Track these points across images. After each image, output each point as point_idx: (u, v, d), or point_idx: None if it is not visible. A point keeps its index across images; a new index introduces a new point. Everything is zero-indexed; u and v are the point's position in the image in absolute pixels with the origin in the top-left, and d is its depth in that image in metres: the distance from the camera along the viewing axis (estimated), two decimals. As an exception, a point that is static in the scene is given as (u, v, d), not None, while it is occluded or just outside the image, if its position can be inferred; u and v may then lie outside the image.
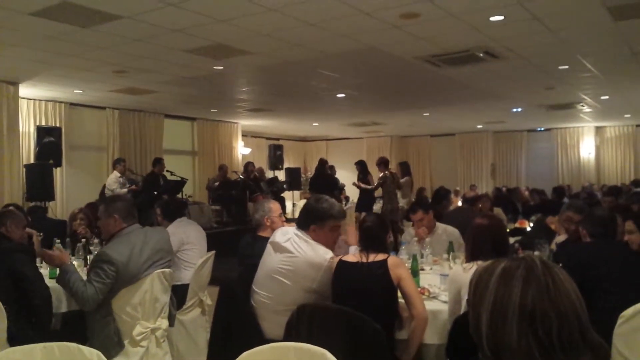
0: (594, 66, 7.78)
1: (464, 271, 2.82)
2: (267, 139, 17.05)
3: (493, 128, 16.48)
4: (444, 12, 5.28)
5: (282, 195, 12.85)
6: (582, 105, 11.74)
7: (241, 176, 11.77)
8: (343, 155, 17.53)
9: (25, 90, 9.12)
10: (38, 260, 3.87)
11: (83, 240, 4.70)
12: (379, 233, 3.14)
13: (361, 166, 10.99)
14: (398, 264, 2.96)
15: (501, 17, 5.47)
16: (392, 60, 7.29)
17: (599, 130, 15.78)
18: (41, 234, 4.28)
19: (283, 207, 9.89)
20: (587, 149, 15.82)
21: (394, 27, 5.75)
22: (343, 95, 10.09)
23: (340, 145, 18.95)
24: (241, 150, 14.97)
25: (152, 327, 3.27)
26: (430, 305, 3.02)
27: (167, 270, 3.40)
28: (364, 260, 2.97)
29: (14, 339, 2.93)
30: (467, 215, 5.41)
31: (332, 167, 12.05)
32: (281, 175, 14.54)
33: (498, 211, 7.86)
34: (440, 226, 4.90)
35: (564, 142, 16.14)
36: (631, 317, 2.47)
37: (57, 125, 10.10)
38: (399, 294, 2.93)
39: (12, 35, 5.96)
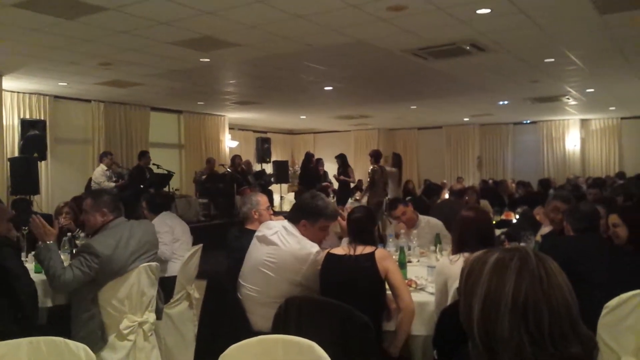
0: (580, 59, 7.84)
1: (450, 263, 2.84)
2: (255, 132, 16.99)
3: (479, 121, 16.56)
4: (431, 4, 5.28)
5: (269, 188, 12.83)
6: (568, 98, 11.83)
7: (228, 169, 11.73)
8: (331, 148, 17.50)
9: (8, 83, 8.99)
10: (23, 254, 3.84)
11: (69, 234, 4.66)
12: (367, 225, 3.15)
13: (341, 160, 11.04)
14: (386, 257, 2.98)
15: (488, 10, 5.48)
16: (380, 53, 7.29)
17: (584, 122, 15.91)
18: (26, 227, 4.24)
19: (271, 200, 9.89)
20: (572, 142, 15.95)
21: (381, 19, 5.74)
22: (330, 88, 10.08)
23: (328, 138, 18.94)
24: (228, 143, 14.91)
25: (140, 321, 3.26)
26: (417, 296, 3.04)
27: (153, 263, 3.39)
28: (352, 252, 2.98)
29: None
30: (453, 208, 5.45)
31: (319, 160, 12.02)
32: (269, 169, 14.50)
33: (484, 203, 7.92)
34: (423, 219, 4.94)
35: (549, 134, 16.25)
36: (615, 308, 2.50)
37: (42, 118, 9.99)
38: (387, 286, 2.94)
39: (-5, 26, 5.88)
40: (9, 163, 8.92)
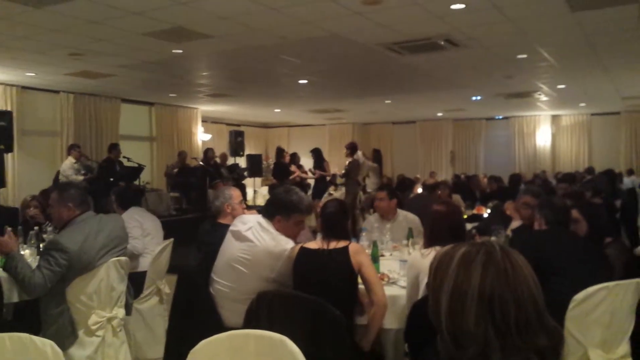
0: (552, 56, 7.95)
1: (422, 257, 2.86)
2: (228, 124, 16.87)
3: (453, 116, 16.72)
4: (406, -1, 5.29)
5: (242, 182, 12.75)
6: (539, 94, 12.01)
7: (201, 162, 11.62)
8: (305, 142, 17.48)
9: (-27, 72, 8.77)
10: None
11: (36, 227, 4.56)
12: (340, 219, 3.15)
13: (316, 154, 11.05)
14: (359, 251, 2.98)
15: (462, 6, 5.51)
16: (355, 47, 7.29)
17: (555, 118, 16.19)
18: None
19: (244, 194, 9.86)
20: (543, 137, 16.22)
21: (356, 13, 5.73)
22: (305, 81, 10.05)
23: (302, 132, 18.91)
24: (201, 136, 14.78)
25: (108, 317, 3.22)
26: (389, 290, 3.05)
27: (123, 258, 3.34)
28: (325, 247, 2.97)
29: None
30: (426, 202, 5.49)
31: (294, 155, 11.96)
32: (242, 162, 14.41)
33: (457, 198, 7.99)
34: (402, 213, 4.97)
35: (521, 130, 16.50)
36: (582, 301, 2.55)
37: (8, 109, 9.72)
38: (359, 280, 2.94)
39: (-41, 14, 5.70)
40: (-26, 155, 8.68)
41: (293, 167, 11.32)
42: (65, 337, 3.03)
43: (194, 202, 10.96)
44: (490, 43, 7.19)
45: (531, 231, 3.59)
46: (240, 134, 14.10)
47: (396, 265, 3.63)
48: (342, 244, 2.98)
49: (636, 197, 8.76)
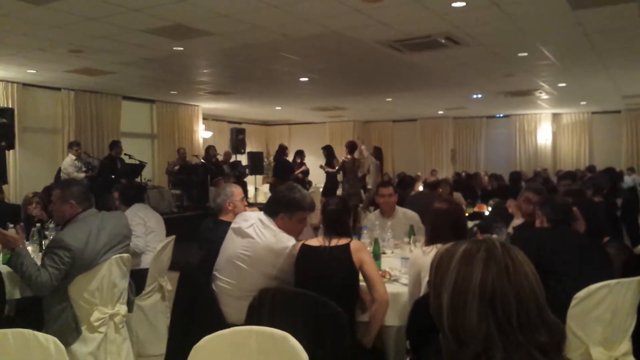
0: (552, 54, 7.95)
1: (423, 254, 2.86)
2: (229, 122, 16.86)
3: (453, 114, 16.71)
4: (407, -4, 5.29)
5: (244, 179, 12.75)
6: (540, 93, 12.00)
7: (202, 160, 11.62)
8: (306, 140, 17.52)
9: (-26, 70, 8.77)
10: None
11: (38, 224, 4.57)
12: (342, 216, 3.15)
13: (327, 151, 11.06)
14: (360, 248, 2.99)
15: (463, 4, 5.51)
16: (355, 45, 7.28)
17: (555, 117, 16.18)
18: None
19: (245, 191, 9.84)
20: (544, 135, 16.20)
21: (357, 11, 5.73)
22: (306, 79, 10.04)
23: (303, 130, 18.91)
24: (202, 133, 14.77)
25: (111, 313, 3.23)
26: (391, 287, 3.06)
27: (125, 255, 3.35)
28: (327, 244, 2.98)
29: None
30: (427, 200, 5.48)
31: (301, 152, 11.89)
32: (243, 160, 14.41)
33: (457, 196, 8.00)
34: (400, 210, 4.97)
35: (522, 128, 16.49)
36: (584, 299, 2.55)
37: (10, 106, 9.73)
38: (361, 277, 2.95)
39: (-40, 11, 5.70)
40: (-25, 152, 8.68)
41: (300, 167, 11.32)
42: (69, 333, 3.05)
43: (195, 200, 10.96)
44: (491, 41, 7.18)
45: (533, 229, 3.59)
46: (241, 131, 14.11)
47: (398, 263, 3.64)
48: (343, 241, 2.98)
49: (637, 196, 8.76)
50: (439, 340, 1.22)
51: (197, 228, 4.11)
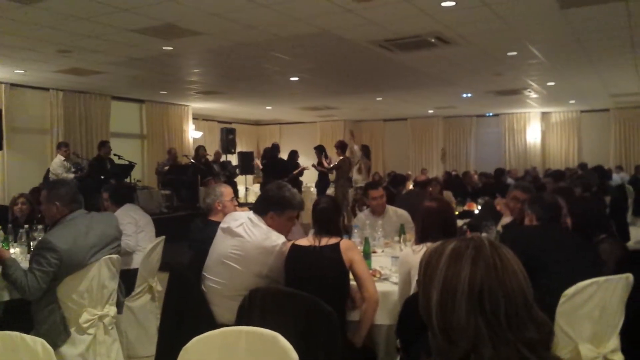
0: (541, 53, 7.99)
1: (413, 253, 2.87)
2: (219, 122, 16.81)
3: (443, 113, 16.76)
4: (397, -4, 5.30)
5: (234, 179, 12.73)
6: (529, 91, 12.06)
7: (192, 160, 11.58)
8: (296, 139, 17.50)
9: (-39, 70, 8.69)
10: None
11: (26, 226, 4.53)
12: (332, 216, 3.15)
13: (319, 150, 11.08)
14: (350, 247, 2.99)
15: (452, 3, 5.53)
16: (345, 45, 7.29)
17: (544, 115, 16.27)
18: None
19: (235, 191, 9.83)
20: (533, 134, 16.29)
21: (347, 10, 5.73)
22: (296, 78, 10.03)
23: (294, 129, 18.89)
24: (192, 133, 14.72)
25: (100, 314, 3.21)
26: (381, 286, 3.07)
27: (114, 256, 3.33)
28: (317, 243, 2.98)
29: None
30: (417, 199, 5.49)
31: (295, 152, 11.90)
32: (234, 160, 14.38)
33: (448, 194, 8.03)
34: (391, 209, 4.98)
35: (511, 127, 16.57)
36: (572, 296, 2.57)
37: (-3, 106, 9.66)
38: (351, 276, 2.95)
39: (-54, 10, 5.64)
40: (-38, 153, 8.62)
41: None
42: (57, 335, 3.03)
43: (185, 200, 10.92)
44: (480, 40, 7.21)
45: (522, 227, 3.60)
46: (231, 131, 14.07)
47: (388, 262, 3.65)
48: (333, 240, 2.98)
49: (625, 194, 8.82)
50: (428, 339, 1.22)
51: (187, 228, 4.09)
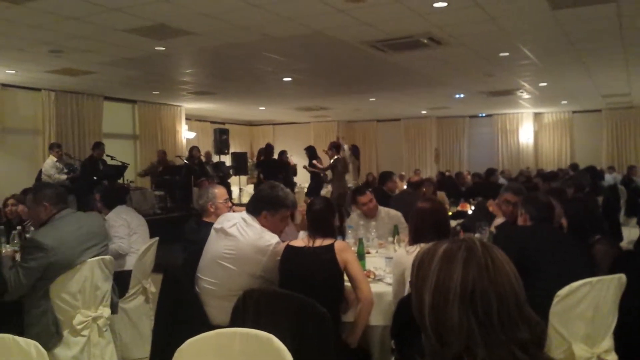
0: (533, 54, 8.02)
1: (407, 254, 2.87)
2: (212, 122, 16.78)
3: (437, 114, 16.81)
4: (389, -3, 5.30)
5: (228, 180, 12.71)
6: (522, 92, 12.11)
7: (186, 161, 11.56)
8: (290, 140, 17.50)
9: (-48, 70, 8.62)
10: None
11: (19, 227, 4.51)
12: (326, 217, 3.15)
13: (310, 152, 11.09)
14: (345, 248, 2.99)
15: (444, 4, 5.54)
16: (338, 45, 7.29)
17: (537, 116, 16.34)
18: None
19: (229, 192, 9.82)
20: (526, 135, 16.36)
21: (339, 11, 5.73)
22: (289, 79, 10.03)
23: (287, 130, 18.89)
24: (185, 134, 14.68)
25: (94, 316, 3.21)
26: (375, 287, 3.07)
27: (107, 257, 3.34)
28: (311, 244, 2.97)
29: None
30: (411, 199, 5.50)
31: (284, 152, 11.97)
32: (227, 160, 14.36)
33: (441, 195, 8.05)
34: (383, 210, 4.97)
35: (504, 127, 16.64)
36: (566, 296, 2.58)
37: (-11, 107, 9.61)
38: (346, 277, 2.95)
39: (-64, 10, 5.60)
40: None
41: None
42: (49, 337, 3.01)
43: (178, 201, 10.89)
44: (472, 41, 7.24)
45: (515, 227, 3.62)
46: (224, 131, 14.04)
47: (382, 263, 3.65)
48: (327, 241, 2.98)
49: (617, 194, 8.88)
50: (422, 340, 1.22)
51: (181, 229, 4.08)
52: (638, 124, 15.14)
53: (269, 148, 11.95)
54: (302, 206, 4.81)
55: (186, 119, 14.79)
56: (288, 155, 12.18)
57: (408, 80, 10.34)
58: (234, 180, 13.63)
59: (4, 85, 10.10)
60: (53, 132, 10.91)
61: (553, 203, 3.44)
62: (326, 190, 10.30)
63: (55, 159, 9.23)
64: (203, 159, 12.36)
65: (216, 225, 3.23)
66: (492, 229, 4.34)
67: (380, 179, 7.86)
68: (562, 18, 6.12)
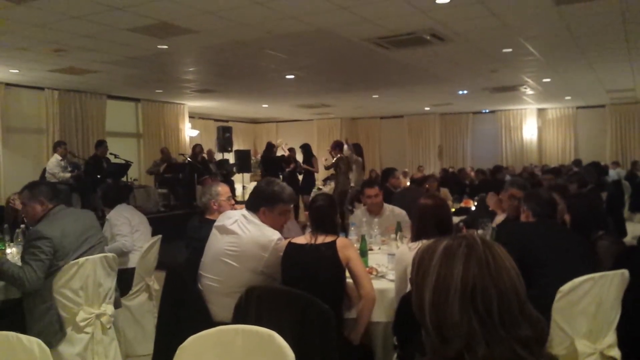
0: (536, 49, 7.99)
1: (409, 250, 2.87)
2: (216, 120, 16.80)
3: (440, 110, 16.77)
4: (392, -7, 5.29)
5: (231, 178, 12.72)
6: (525, 88, 12.07)
7: (189, 159, 11.58)
8: (293, 137, 17.45)
9: (-44, 70, 8.65)
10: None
11: (22, 226, 4.52)
12: (329, 213, 3.15)
13: (305, 149, 11.10)
14: (347, 245, 2.98)
15: (447, 0, 5.52)
16: (341, 42, 7.28)
17: (541, 112, 16.29)
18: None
19: (232, 189, 9.84)
20: (529, 131, 16.30)
21: (342, 8, 5.72)
22: (292, 76, 10.02)
23: (291, 127, 18.88)
24: (188, 132, 14.70)
25: (97, 313, 3.22)
26: (377, 284, 3.07)
27: (110, 254, 3.38)
28: (313, 241, 2.98)
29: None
30: (414, 196, 5.49)
31: (292, 149, 12.01)
32: (231, 158, 14.37)
33: (444, 191, 8.03)
34: (388, 207, 4.97)
35: (507, 123, 16.59)
36: (568, 292, 2.57)
37: (-8, 106, 9.64)
38: (348, 274, 2.95)
39: (-61, 10, 5.61)
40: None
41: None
42: (52, 335, 3.03)
43: (182, 199, 10.91)
44: (476, 37, 7.21)
45: (517, 223, 3.61)
46: (228, 129, 14.05)
47: (385, 259, 3.65)
48: (330, 238, 2.98)
49: (622, 189, 8.84)
50: (422, 338, 1.22)
51: (184, 227, 4.09)
52: (643, 119, 15.10)
53: (269, 146, 11.99)
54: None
55: (189, 117, 14.81)
56: (284, 146, 12.26)
57: (411, 77, 10.32)
58: (237, 178, 13.64)
59: (8, 84, 10.14)
60: (57, 131, 10.95)
61: (555, 199, 3.43)
62: (329, 187, 10.30)
63: (59, 158, 9.26)
64: (205, 156, 12.38)
65: (217, 222, 3.24)
66: (494, 225, 4.34)
67: (383, 176, 7.86)
68: (566, 13, 6.10)
